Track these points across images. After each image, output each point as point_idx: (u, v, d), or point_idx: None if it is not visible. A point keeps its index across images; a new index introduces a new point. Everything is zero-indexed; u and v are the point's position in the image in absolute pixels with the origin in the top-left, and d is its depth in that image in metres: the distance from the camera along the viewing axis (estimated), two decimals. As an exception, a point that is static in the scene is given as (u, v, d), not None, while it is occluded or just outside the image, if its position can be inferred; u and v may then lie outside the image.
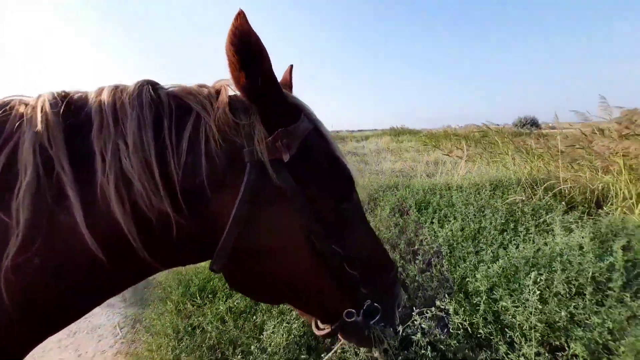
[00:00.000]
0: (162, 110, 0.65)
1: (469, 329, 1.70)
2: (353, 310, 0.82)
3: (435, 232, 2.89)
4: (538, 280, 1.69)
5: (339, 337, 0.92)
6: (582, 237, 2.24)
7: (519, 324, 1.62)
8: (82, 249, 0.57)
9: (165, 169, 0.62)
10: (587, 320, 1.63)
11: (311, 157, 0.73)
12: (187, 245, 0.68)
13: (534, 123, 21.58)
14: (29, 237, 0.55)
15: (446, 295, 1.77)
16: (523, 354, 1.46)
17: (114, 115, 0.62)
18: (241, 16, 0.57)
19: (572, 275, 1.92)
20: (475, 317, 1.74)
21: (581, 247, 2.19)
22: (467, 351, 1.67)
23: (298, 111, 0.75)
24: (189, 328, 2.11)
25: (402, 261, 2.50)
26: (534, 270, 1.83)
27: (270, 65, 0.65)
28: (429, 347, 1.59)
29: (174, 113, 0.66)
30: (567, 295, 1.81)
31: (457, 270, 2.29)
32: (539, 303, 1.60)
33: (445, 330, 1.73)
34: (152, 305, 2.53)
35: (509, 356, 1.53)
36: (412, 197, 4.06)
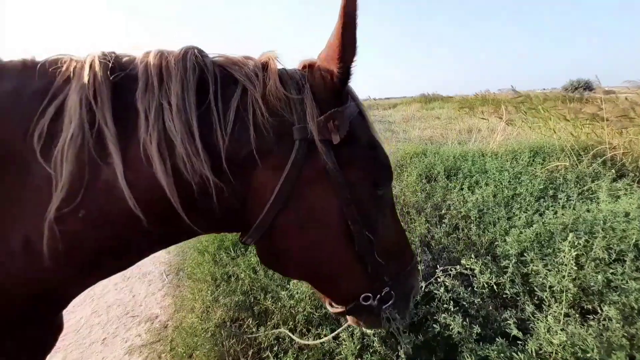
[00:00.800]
0: (207, 76, 0.64)
1: (495, 288, 1.70)
2: (370, 295, 0.82)
3: (464, 198, 2.81)
4: (576, 244, 1.61)
5: (347, 317, 0.94)
6: (630, 204, 2.07)
7: (550, 286, 1.59)
8: (122, 205, 0.58)
9: (209, 135, 0.62)
10: (625, 285, 1.56)
11: (356, 141, 0.72)
12: (224, 215, 0.68)
13: (587, 87, 19.16)
14: (72, 189, 0.56)
15: (472, 256, 1.76)
16: (551, 314, 1.44)
17: (159, 76, 0.61)
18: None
19: (613, 242, 1.81)
20: (502, 278, 1.73)
21: (627, 214, 2.03)
22: (490, 309, 1.69)
23: (347, 93, 0.73)
24: (225, 276, 2.32)
25: (427, 224, 2.49)
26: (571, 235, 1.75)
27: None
28: (452, 302, 1.62)
29: (219, 80, 0.65)
30: (606, 261, 1.72)
31: (486, 235, 2.24)
32: (574, 266, 1.54)
33: (470, 288, 1.75)
34: (191, 257, 2.79)
35: (535, 316, 1.53)
36: (441, 163, 3.91)
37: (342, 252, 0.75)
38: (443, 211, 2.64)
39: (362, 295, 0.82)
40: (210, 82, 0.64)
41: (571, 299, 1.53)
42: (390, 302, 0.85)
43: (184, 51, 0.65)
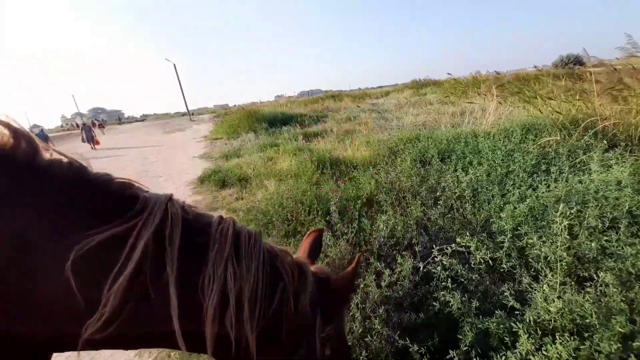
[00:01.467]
0: (264, 266, 0.77)
1: (491, 263, 1.73)
2: None
3: (458, 179, 2.83)
4: (568, 213, 1.64)
5: None
6: (622, 172, 2.09)
7: (545, 256, 1.61)
8: (165, 338, 0.68)
9: (256, 316, 0.73)
10: (620, 251, 1.59)
11: (338, 344, 0.91)
12: None
13: (577, 61, 19.12)
14: (112, 320, 0.60)
15: (468, 234, 1.78)
16: (547, 283, 1.47)
17: (237, 257, 0.73)
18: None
19: (606, 210, 1.84)
20: (499, 253, 1.75)
21: (619, 183, 2.05)
22: (488, 284, 1.72)
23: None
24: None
25: (423, 207, 2.50)
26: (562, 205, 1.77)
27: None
28: (450, 280, 1.65)
29: (270, 269, 0.78)
30: (600, 229, 1.75)
31: (481, 213, 2.26)
32: (567, 236, 1.57)
33: (466, 265, 1.77)
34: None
35: (532, 287, 1.56)
36: (434, 147, 3.92)
37: None
38: (438, 193, 2.66)
39: None
40: (273, 266, 0.79)
41: (566, 268, 1.56)
42: None
43: (255, 237, 0.79)
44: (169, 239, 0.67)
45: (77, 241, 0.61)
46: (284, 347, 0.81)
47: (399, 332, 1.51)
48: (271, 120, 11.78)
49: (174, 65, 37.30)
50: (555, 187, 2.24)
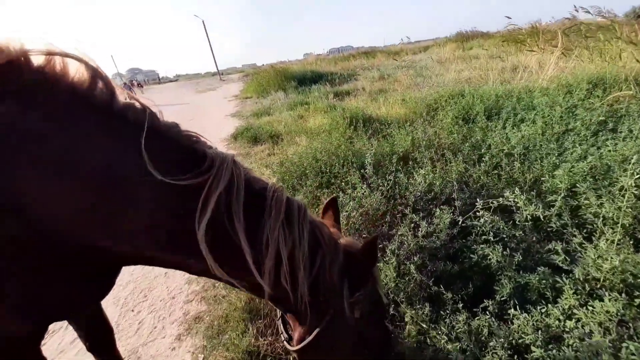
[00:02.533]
0: (309, 235, 0.90)
1: (539, 221, 1.63)
2: None
3: (507, 136, 2.60)
4: (636, 172, 1.45)
5: None
6: None
7: (603, 216, 1.48)
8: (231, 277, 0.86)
9: (308, 271, 0.89)
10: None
11: (368, 306, 1.01)
12: (282, 305, 1.03)
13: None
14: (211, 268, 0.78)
15: (516, 190, 1.67)
16: (603, 240, 1.37)
17: (288, 224, 0.85)
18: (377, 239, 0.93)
19: (687, 171, 1.60)
20: (549, 211, 1.64)
21: None
22: (533, 241, 1.64)
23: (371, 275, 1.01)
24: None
25: (464, 164, 2.37)
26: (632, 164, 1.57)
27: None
28: (492, 234, 1.59)
29: (311, 238, 0.90)
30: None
31: (531, 172, 2.10)
32: (634, 192, 1.41)
33: (511, 222, 1.69)
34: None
35: (582, 245, 1.46)
36: (480, 103, 3.58)
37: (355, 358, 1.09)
38: (483, 150, 2.48)
39: None
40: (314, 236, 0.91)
41: (625, 228, 1.43)
42: None
43: (304, 207, 0.91)
44: (236, 196, 0.78)
45: (156, 182, 0.70)
46: (314, 310, 0.95)
47: (432, 279, 1.53)
48: (300, 79, 11.43)
49: (203, 22, 36.53)
50: (624, 147, 1.98)
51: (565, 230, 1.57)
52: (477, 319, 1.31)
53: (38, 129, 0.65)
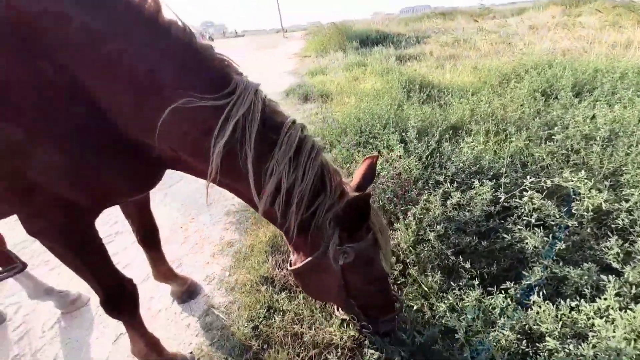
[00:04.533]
0: (315, 177, 0.95)
1: (604, 215, 1.38)
2: (355, 317, 1.28)
3: (593, 116, 2.15)
4: None
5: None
6: None
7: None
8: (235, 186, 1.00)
9: (301, 206, 0.95)
10: None
11: (357, 259, 1.06)
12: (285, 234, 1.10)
13: None
14: (215, 172, 0.86)
15: (582, 172, 1.41)
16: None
17: (295, 161, 0.91)
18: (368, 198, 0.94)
19: None
20: (619, 205, 1.37)
21: None
22: (588, 233, 1.41)
23: (366, 235, 1.06)
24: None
25: (527, 141, 2.06)
26: None
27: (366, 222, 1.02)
28: (534, 216, 1.40)
29: (319, 178, 0.97)
30: None
31: (612, 160, 1.74)
32: None
33: (565, 210, 1.47)
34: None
35: (653, 249, 1.21)
36: (571, 76, 2.97)
37: (340, 301, 1.24)
38: (556, 129, 2.11)
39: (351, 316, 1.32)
40: (322, 180, 0.97)
41: None
42: (370, 330, 1.27)
43: (318, 148, 0.96)
44: (251, 125, 0.84)
45: (186, 95, 0.78)
46: (308, 242, 1.05)
47: (452, 250, 1.45)
48: (363, 39, 10.68)
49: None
50: None
51: (633, 230, 1.31)
52: (491, 298, 1.22)
53: (102, 32, 0.77)
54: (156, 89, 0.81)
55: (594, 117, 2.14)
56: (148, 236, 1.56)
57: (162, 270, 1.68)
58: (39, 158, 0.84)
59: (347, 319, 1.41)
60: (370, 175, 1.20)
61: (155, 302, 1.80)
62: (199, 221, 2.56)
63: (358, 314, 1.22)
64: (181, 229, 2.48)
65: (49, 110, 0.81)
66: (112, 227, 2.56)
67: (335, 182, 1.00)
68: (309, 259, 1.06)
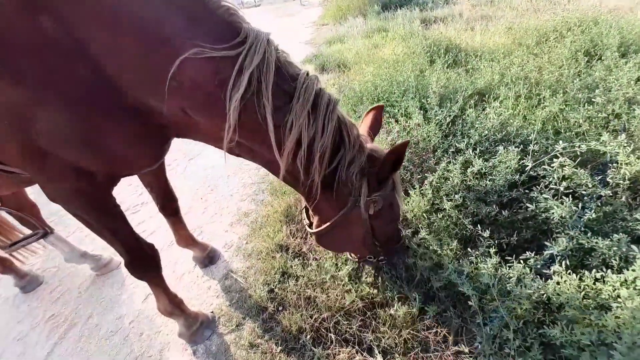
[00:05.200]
0: (335, 130, 0.92)
1: (635, 187, 1.26)
2: (372, 258, 1.35)
3: (639, 79, 1.90)
4: None
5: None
6: None
7: None
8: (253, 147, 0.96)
9: (323, 160, 0.93)
10: None
11: (383, 207, 1.11)
12: (306, 194, 1.08)
13: None
14: (234, 135, 0.85)
15: (622, 136, 1.27)
16: None
17: (314, 113, 0.87)
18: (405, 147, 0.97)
19: None
20: (662, 172, 1.23)
21: None
22: (621, 204, 1.30)
23: (391, 180, 1.09)
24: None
25: (564, 105, 1.87)
26: None
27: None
28: (564, 185, 1.31)
29: (338, 133, 0.94)
30: None
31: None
32: None
33: (599, 178, 1.35)
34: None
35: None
36: (618, 35, 2.61)
37: (361, 249, 1.28)
38: (597, 92, 1.89)
39: (367, 256, 1.36)
40: (340, 133, 0.95)
41: None
42: (384, 261, 1.37)
43: (334, 102, 0.92)
44: (266, 77, 0.80)
45: (195, 47, 0.76)
46: (332, 200, 1.04)
47: (470, 220, 1.40)
48: (385, 3, 9.94)
49: None
50: None
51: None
52: (509, 267, 1.18)
53: None
54: (164, 40, 0.78)
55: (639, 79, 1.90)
56: (167, 204, 1.63)
57: (183, 236, 1.77)
58: (42, 123, 0.82)
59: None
60: (376, 126, 1.19)
61: (179, 266, 1.93)
62: (218, 193, 2.64)
63: (377, 252, 1.28)
64: (201, 200, 2.58)
65: (50, 72, 0.78)
66: (139, 197, 2.71)
67: (354, 135, 0.97)
68: (339, 214, 1.07)
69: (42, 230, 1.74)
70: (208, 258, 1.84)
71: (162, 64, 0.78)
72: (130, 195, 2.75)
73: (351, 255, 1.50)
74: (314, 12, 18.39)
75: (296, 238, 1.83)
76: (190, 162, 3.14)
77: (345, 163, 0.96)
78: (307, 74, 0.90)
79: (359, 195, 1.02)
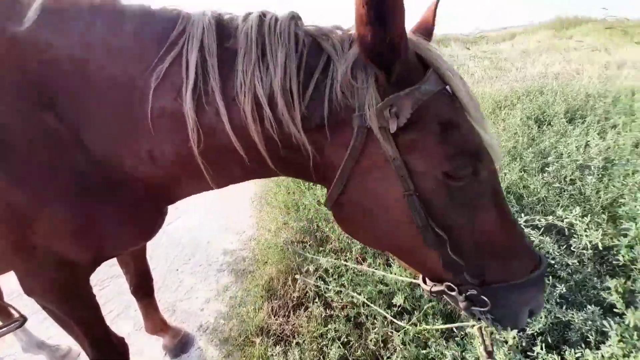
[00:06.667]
0: (299, 48, 0.66)
1: (606, 250, 1.34)
2: (454, 287, 0.72)
3: (587, 144, 2.15)
4: None
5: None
6: None
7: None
8: (229, 147, 0.71)
9: (291, 103, 0.66)
10: None
11: (424, 124, 0.64)
12: (302, 170, 0.77)
13: None
14: (198, 131, 0.69)
15: (576, 210, 1.38)
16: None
17: (260, 47, 0.66)
18: None
19: None
20: (617, 240, 1.33)
21: None
22: (589, 272, 1.36)
23: (421, 71, 0.65)
24: (294, 204, 2.55)
25: (522, 173, 2.05)
26: None
27: (404, 24, 0.56)
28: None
29: (307, 51, 0.66)
30: None
31: (609, 190, 1.71)
32: None
33: (564, 247, 1.42)
34: (270, 187, 3.13)
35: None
36: (563, 102, 3.01)
37: (406, 239, 0.71)
38: (550, 158, 2.10)
39: (445, 284, 0.74)
40: (300, 54, 0.66)
41: None
42: (485, 308, 0.71)
43: (287, 23, 0.68)
44: (209, 53, 0.67)
45: (153, 71, 0.69)
46: (332, 133, 0.68)
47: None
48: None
49: None
50: None
51: (634, 267, 1.26)
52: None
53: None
54: (132, 86, 0.70)
55: (587, 144, 2.14)
56: (142, 285, 1.55)
57: (155, 321, 1.65)
58: (42, 221, 0.78)
59: None
60: (426, 26, 0.81)
61: (145, 357, 1.74)
62: (195, 262, 2.53)
63: (457, 267, 0.69)
64: (177, 272, 2.45)
65: (53, 169, 0.74)
66: (110, 269, 2.55)
67: (336, 37, 0.68)
68: (346, 155, 0.66)
69: (22, 319, 1.56)
70: (180, 346, 1.69)
71: (141, 109, 0.71)
72: (102, 266, 2.59)
73: (410, 274, 0.95)
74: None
75: (278, 317, 1.74)
76: (168, 227, 3.06)
77: (336, 79, 0.64)
78: (248, 14, 0.71)
79: (364, 105, 0.63)
